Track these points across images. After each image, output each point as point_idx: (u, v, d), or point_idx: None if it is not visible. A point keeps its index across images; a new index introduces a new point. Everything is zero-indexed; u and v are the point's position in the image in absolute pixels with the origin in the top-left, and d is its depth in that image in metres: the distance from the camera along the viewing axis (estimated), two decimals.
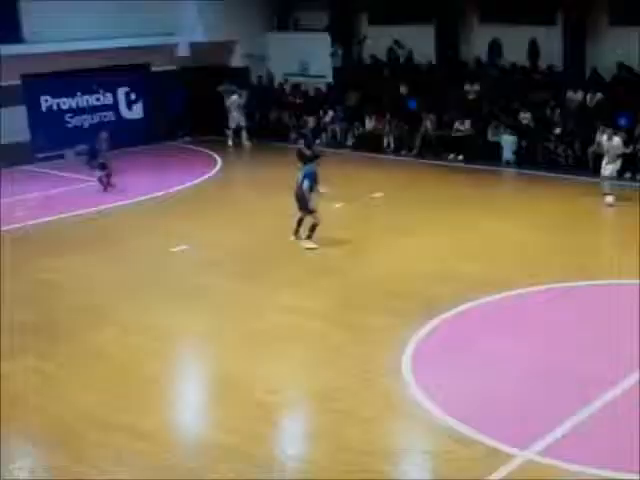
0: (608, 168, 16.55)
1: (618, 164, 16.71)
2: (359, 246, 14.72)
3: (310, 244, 14.63)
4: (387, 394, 9.21)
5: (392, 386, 9.37)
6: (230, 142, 24.64)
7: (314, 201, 14.69)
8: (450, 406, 8.76)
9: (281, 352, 10.51)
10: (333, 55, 25.01)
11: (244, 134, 24.79)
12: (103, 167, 19.25)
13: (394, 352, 10.14)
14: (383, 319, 11.26)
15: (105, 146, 19.44)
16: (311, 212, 14.71)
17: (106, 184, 19.28)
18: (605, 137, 16.76)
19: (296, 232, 14.90)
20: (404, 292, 12.25)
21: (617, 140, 16.60)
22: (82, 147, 19.36)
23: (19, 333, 11.34)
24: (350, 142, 23.73)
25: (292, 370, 10.06)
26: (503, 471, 7.55)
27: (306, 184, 14.56)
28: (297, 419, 9.19)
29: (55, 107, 23.93)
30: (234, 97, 24.66)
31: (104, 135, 19.53)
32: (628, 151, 17.48)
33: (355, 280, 13.01)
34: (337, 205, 17.03)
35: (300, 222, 14.86)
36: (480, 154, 20.88)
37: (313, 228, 14.68)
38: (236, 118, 24.61)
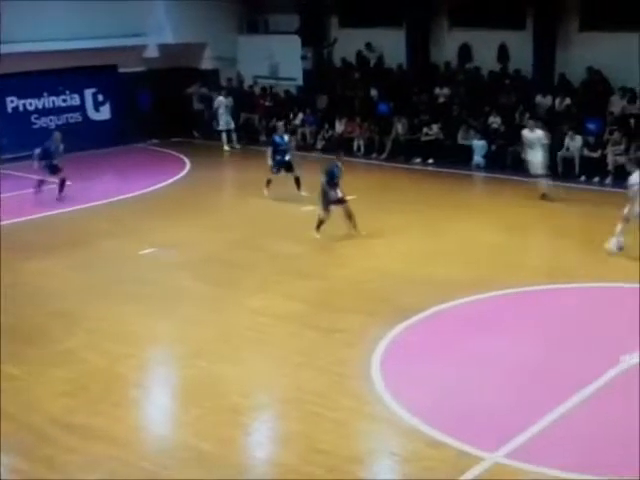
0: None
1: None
2: (331, 248, 14.79)
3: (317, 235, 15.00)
4: (357, 396, 9.27)
5: (363, 388, 9.43)
6: (226, 147, 24.43)
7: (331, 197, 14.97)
8: (419, 408, 8.84)
9: (252, 355, 10.53)
10: (303, 58, 25.12)
11: (234, 136, 24.73)
12: (55, 170, 18.35)
13: (365, 354, 10.21)
14: (356, 321, 11.34)
15: (59, 148, 18.51)
16: (325, 209, 14.97)
17: (59, 189, 18.46)
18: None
19: (354, 225, 15.12)
20: (376, 294, 12.35)
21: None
22: (37, 151, 18.52)
23: None
24: (320, 145, 23.80)
25: (263, 373, 10.10)
26: (471, 473, 7.64)
27: (322, 179, 15.05)
28: (268, 422, 9.21)
29: (21, 108, 23.78)
30: (220, 98, 24.60)
31: (58, 136, 18.74)
32: (596, 155, 17.78)
33: (327, 282, 13.08)
34: (307, 208, 17.10)
35: (350, 216, 15.09)
36: (450, 158, 21.08)
37: (320, 224, 14.98)
38: (224, 120, 24.45)
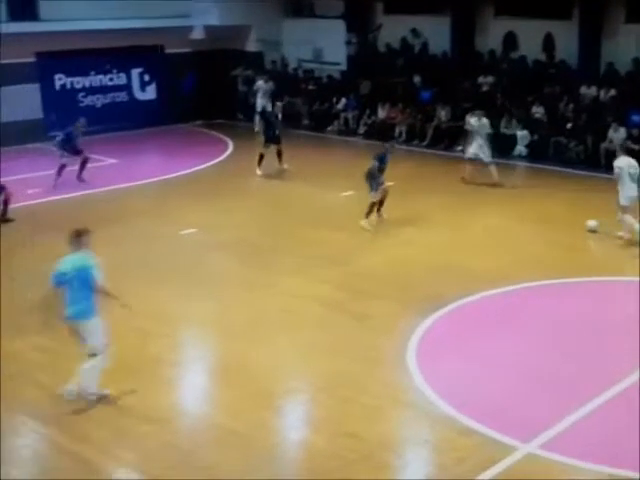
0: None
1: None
2: (365, 235, 14.68)
3: (366, 224, 14.85)
4: (390, 382, 9.22)
5: (395, 374, 9.38)
6: (256, 128, 24.20)
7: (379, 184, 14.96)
8: (452, 397, 8.77)
9: (286, 338, 10.51)
10: (348, 43, 25.00)
11: None
12: (77, 152, 18.24)
13: (398, 341, 10.15)
14: (388, 308, 11.28)
15: (79, 134, 18.39)
16: (375, 191, 14.96)
17: (79, 173, 18.40)
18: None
19: (378, 211, 15.21)
20: (410, 282, 12.26)
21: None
22: (59, 137, 18.32)
23: (26, 311, 11.36)
24: (362, 130, 23.67)
25: (296, 357, 10.06)
26: (504, 463, 7.57)
27: (371, 163, 15.15)
28: (300, 405, 9.18)
29: (68, 86, 23.89)
30: (260, 82, 24.41)
31: (82, 122, 18.54)
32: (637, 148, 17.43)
33: (361, 268, 13.00)
34: (346, 193, 17.02)
35: (381, 203, 15.16)
36: (492, 147, 20.79)
37: (371, 208, 14.98)
38: (262, 103, 24.12)
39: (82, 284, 8.62)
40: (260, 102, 24.12)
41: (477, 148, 17.88)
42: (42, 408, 8.84)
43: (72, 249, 8.78)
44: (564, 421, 8.21)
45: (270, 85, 24.31)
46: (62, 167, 18.18)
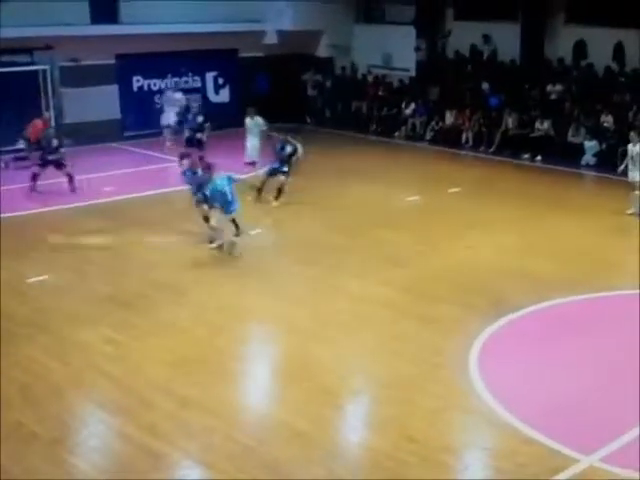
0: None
1: None
2: (432, 238, 14.53)
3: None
4: (453, 387, 9.06)
5: (458, 379, 9.21)
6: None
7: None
8: (515, 405, 8.55)
9: (349, 338, 10.43)
10: (417, 49, 24.82)
11: None
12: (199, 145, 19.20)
13: (462, 345, 9.97)
14: (453, 311, 11.10)
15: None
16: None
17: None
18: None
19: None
20: (475, 286, 12.05)
21: None
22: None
23: (99, 304, 11.55)
24: (429, 136, 23.49)
25: (360, 357, 9.99)
26: (565, 474, 7.33)
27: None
28: (362, 405, 9.10)
29: (145, 87, 24.27)
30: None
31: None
32: None
33: (426, 271, 12.85)
34: (411, 198, 16.88)
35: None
36: (559, 155, 20.41)
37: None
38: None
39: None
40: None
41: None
42: (110, 399, 8.91)
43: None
44: (628, 434, 7.93)
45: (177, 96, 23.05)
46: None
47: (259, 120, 18.68)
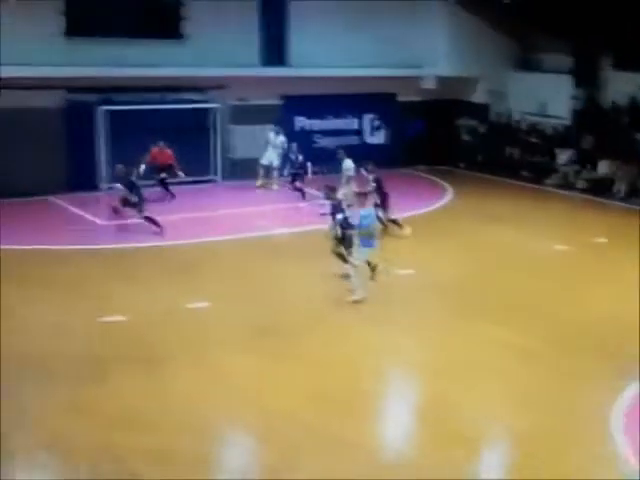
0: None
1: None
2: (576, 289, 14.39)
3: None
4: (591, 444, 8.84)
5: (597, 437, 8.97)
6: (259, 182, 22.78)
7: None
8: None
9: (485, 383, 10.49)
10: (573, 97, 24.64)
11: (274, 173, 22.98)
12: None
13: (603, 402, 9.71)
14: (595, 364, 10.91)
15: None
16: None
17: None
18: None
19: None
20: (619, 340, 11.74)
21: None
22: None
23: (250, 333, 12.14)
24: (580, 185, 23.18)
25: (494, 402, 9.99)
26: None
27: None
28: (495, 453, 9.13)
29: (307, 127, 25.17)
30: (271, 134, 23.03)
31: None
32: None
33: (567, 321, 12.68)
34: (559, 247, 16.85)
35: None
36: None
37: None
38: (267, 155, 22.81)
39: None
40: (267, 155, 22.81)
41: None
42: (247, 423, 9.34)
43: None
44: None
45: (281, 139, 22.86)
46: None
47: (348, 164, 18.92)
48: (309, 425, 9.24)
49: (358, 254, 13.75)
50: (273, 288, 14.25)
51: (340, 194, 16.50)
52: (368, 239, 13.66)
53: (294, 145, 21.53)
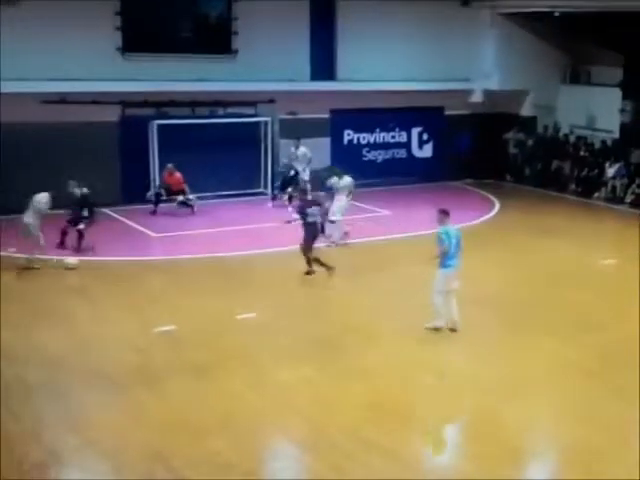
0: None
1: None
2: (623, 303, 14.11)
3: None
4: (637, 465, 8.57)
5: None
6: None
7: None
8: None
9: (537, 399, 10.33)
10: (622, 111, 24.32)
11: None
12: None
13: None
14: None
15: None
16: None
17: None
18: None
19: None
20: None
21: None
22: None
23: (303, 343, 12.12)
24: (629, 199, 22.82)
25: (545, 419, 9.85)
26: None
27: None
28: (543, 468, 9.00)
29: (355, 141, 25.14)
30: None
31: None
32: None
33: (620, 337, 12.43)
34: (606, 261, 16.62)
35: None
36: None
37: None
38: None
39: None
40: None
41: None
42: (302, 436, 9.31)
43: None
44: None
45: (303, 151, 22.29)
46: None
47: (347, 180, 18.24)
48: (363, 438, 9.18)
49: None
50: (330, 302, 14.32)
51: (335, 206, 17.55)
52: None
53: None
